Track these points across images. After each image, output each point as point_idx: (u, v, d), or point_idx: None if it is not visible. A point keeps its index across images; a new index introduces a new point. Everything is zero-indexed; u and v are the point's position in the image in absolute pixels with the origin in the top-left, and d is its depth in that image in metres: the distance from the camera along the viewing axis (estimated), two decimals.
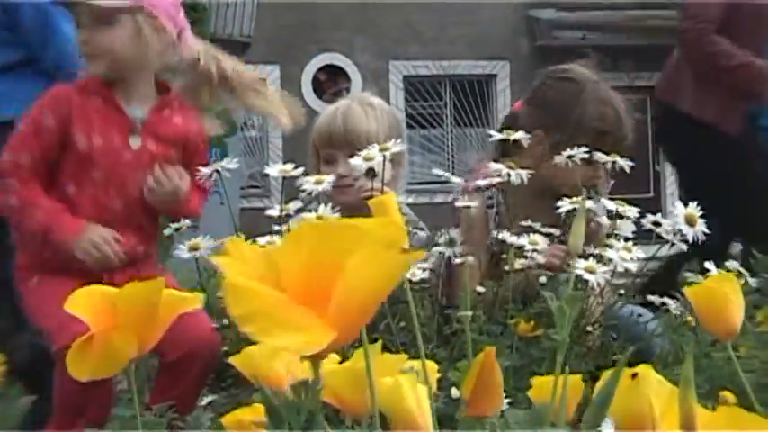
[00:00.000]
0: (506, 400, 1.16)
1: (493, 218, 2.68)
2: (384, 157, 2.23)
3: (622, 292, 2.42)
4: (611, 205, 2.36)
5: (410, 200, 2.61)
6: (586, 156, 2.55)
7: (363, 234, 0.73)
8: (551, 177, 2.66)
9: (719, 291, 1.14)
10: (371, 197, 2.28)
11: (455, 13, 15.93)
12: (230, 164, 2.42)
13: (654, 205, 3.47)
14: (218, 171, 2.40)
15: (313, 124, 2.80)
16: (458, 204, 2.50)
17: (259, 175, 13.71)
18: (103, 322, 1.00)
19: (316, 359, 0.79)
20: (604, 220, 2.42)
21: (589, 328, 2.29)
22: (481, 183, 2.53)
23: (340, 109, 2.74)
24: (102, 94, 2.37)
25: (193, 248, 2.41)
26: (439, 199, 2.32)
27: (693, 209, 2.37)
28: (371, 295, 0.74)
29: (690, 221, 2.34)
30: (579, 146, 2.56)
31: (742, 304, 1.15)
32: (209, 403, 2.26)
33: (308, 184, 2.30)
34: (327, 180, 2.29)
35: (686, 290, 1.16)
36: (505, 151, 2.69)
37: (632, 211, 2.36)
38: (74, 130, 2.32)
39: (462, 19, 15.95)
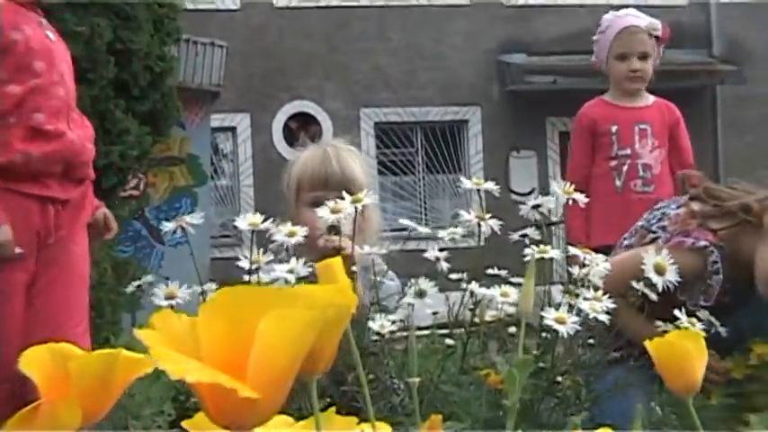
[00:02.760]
0: None
1: (717, 282, 2.49)
2: (356, 208, 2.25)
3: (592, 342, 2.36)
4: None
5: (383, 250, 2.57)
6: None
7: (277, 298, 0.73)
8: (760, 254, 2.48)
9: (681, 346, 1.14)
10: (338, 249, 2.28)
11: (425, 58, 16.09)
12: (195, 219, 2.40)
13: None
14: (182, 227, 2.38)
15: (285, 172, 2.82)
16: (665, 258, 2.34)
17: (231, 224, 13.69)
18: (55, 388, 0.97)
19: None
20: None
21: (559, 379, 2.25)
22: (702, 243, 2.48)
23: (330, 152, 2.76)
24: None
25: (170, 296, 2.37)
26: (410, 246, 2.30)
27: (664, 257, 2.32)
28: (284, 358, 0.74)
29: (659, 270, 2.30)
30: None
31: (705, 360, 1.15)
32: None
33: (280, 235, 2.28)
34: (300, 233, 2.27)
35: (648, 344, 1.16)
36: (741, 209, 2.56)
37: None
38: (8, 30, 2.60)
39: (432, 64, 16.08)
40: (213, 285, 2.37)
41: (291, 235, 2.27)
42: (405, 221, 2.50)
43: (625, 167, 3.96)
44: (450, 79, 16.05)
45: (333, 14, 15.69)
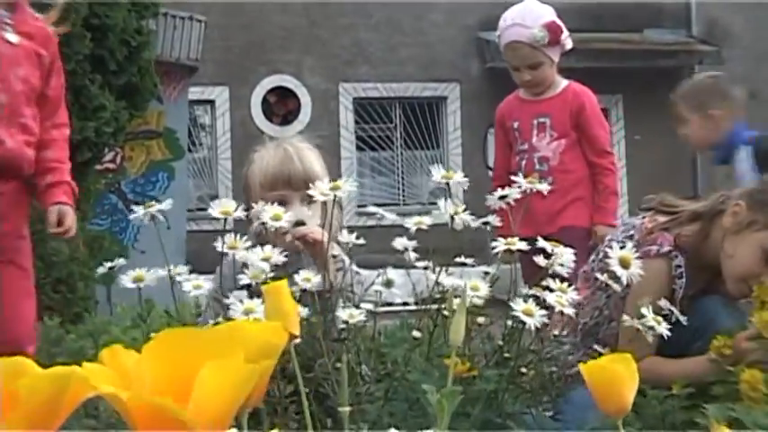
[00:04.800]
0: None
1: (681, 286, 2.63)
2: (335, 197, 2.32)
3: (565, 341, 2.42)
4: None
5: (360, 222, 2.58)
6: None
7: (216, 343, 0.76)
8: (726, 251, 2.62)
9: (612, 369, 1.16)
10: (305, 236, 2.32)
11: (405, 34, 16.05)
12: (165, 205, 2.43)
13: None
14: (153, 216, 2.41)
15: (256, 147, 2.89)
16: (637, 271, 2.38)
17: (207, 197, 13.68)
18: (5, 404, 0.93)
19: None
20: None
21: (523, 370, 2.28)
22: (666, 248, 2.58)
23: (291, 151, 2.79)
24: None
25: (138, 279, 2.41)
26: (387, 221, 2.35)
27: (629, 250, 2.36)
28: (221, 404, 0.76)
29: (624, 264, 2.33)
30: None
31: (635, 383, 1.17)
32: None
33: (267, 218, 2.31)
34: (287, 217, 2.33)
35: (581, 366, 1.18)
36: (704, 214, 2.68)
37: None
38: None
39: (412, 40, 16.05)
40: (185, 268, 2.39)
41: (277, 219, 2.31)
42: (373, 208, 2.55)
43: (524, 162, 3.97)
44: (430, 55, 16.04)
45: None
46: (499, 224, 2.48)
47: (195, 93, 13.30)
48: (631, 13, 16.50)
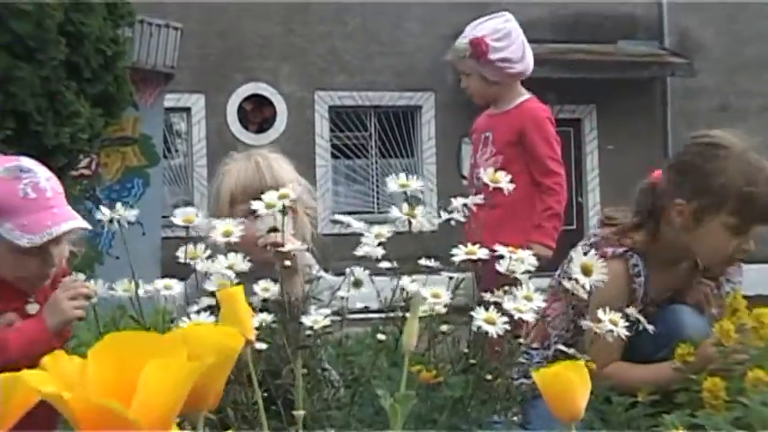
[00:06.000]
0: None
1: (640, 284, 2.68)
2: (284, 206, 2.33)
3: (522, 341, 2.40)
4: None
5: (334, 230, 2.61)
6: (736, 224, 2.58)
7: (161, 345, 0.77)
8: (696, 248, 2.67)
9: (565, 376, 1.18)
10: (277, 246, 2.40)
11: (381, 43, 16.09)
12: (131, 216, 2.44)
13: (577, 238, 3.49)
14: (118, 222, 2.43)
15: (226, 159, 2.88)
16: (600, 275, 2.40)
17: (182, 203, 13.67)
18: None
19: None
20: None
21: (488, 377, 2.29)
22: (621, 250, 2.64)
23: (261, 163, 2.79)
24: None
25: (88, 297, 2.42)
26: (361, 230, 2.39)
27: (591, 258, 2.39)
28: (163, 402, 0.77)
29: (586, 271, 2.35)
30: (727, 214, 2.59)
31: (588, 390, 1.20)
32: None
33: (217, 235, 2.34)
34: (236, 232, 2.34)
35: (534, 374, 1.20)
36: (645, 220, 2.73)
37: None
38: None
39: (388, 50, 16.09)
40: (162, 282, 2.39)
41: (228, 234, 2.33)
42: (340, 217, 2.57)
43: (473, 176, 3.94)
44: (406, 65, 16.08)
45: None
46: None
47: (171, 100, 13.29)
48: (605, 25, 16.60)
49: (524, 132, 3.90)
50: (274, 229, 2.40)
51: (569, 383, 1.18)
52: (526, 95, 4.03)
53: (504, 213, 3.59)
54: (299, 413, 1.36)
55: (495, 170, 2.59)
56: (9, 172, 2.32)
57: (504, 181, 2.54)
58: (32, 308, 2.45)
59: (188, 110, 15.45)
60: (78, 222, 2.37)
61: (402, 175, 2.46)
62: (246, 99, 15.69)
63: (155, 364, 0.75)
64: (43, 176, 2.38)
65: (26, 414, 0.93)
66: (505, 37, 3.94)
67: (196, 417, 1.01)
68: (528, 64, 4.00)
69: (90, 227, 2.42)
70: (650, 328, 2.50)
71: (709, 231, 2.61)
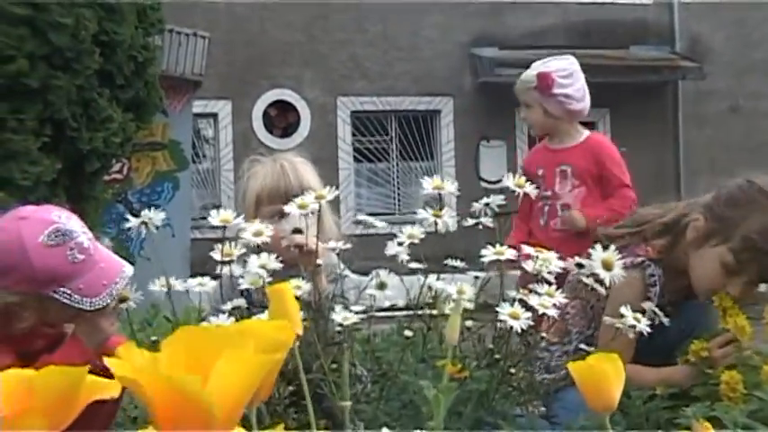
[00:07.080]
0: None
1: (655, 294, 2.68)
2: (320, 205, 2.41)
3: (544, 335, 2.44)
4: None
5: (357, 231, 2.64)
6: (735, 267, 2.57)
7: (231, 338, 0.80)
8: (692, 266, 2.67)
9: (600, 368, 1.20)
10: (301, 246, 2.49)
11: (401, 49, 16.19)
12: (157, 220, 2.51)
13: None
14: (145, 223, 2.50)
15: (255, 165, 2.91)
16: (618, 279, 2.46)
17: (211, 206, 13.73)
18: (17, 404, 0.90)
19: None
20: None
21: (512, 370, 2.34)
22: (639, 260, 2.68)
23: (287, 167, 2.83)
24: None
25: (122, 300, 2.43)
26: (383, 230, 2.52)
27: (611, 253, 2.44)
28: (236, 392, 0.80)
29: (606, 266, 2.42)
30: (728, 249, 2.58)
31: (622, 381, 1.22)
32: None
33: (248, 235, 2.39)
34: (267, 232, 2.40)
35: (570, 365, 1.22)
36: (672, 227, 2.76)
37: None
38: None
39: (408, 56, 16.20)
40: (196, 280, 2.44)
41: (259, 234, 2.38)
42: (363, 217, 2.63)
43: (547, 207, 4.20)
44: (425, 70, 16.18)
45: (313, 6, 15.78)
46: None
47: (199, 106, 13.37)
48: (617, 31, 16.71)
49: (602, 164, 4.20)
50: (298, 231, 2.44)
51: (604, 374, 1.20)
52: (588, 131, 4.33)
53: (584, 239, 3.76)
54: (346, 404, 1.35)
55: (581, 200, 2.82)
56: (52, 239, 2.20)
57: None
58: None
59: (215, 115, 15.55)
60: (127, 270, 2.29)
61: (436, 177, 2.52)
62: (271, 105, 15.81)
63: (229, 356, 0.77)
64: (82, 233, 2.25)
65: (83, 420, 0.92)
66: (570, 76, 4.20)
67: (250, 410, 1.03)
68: (587, 105, 4.24)
69: (131, 269, 2.31)
70: (665, 320, 2.56)
71: (706, 256, 2.62)
